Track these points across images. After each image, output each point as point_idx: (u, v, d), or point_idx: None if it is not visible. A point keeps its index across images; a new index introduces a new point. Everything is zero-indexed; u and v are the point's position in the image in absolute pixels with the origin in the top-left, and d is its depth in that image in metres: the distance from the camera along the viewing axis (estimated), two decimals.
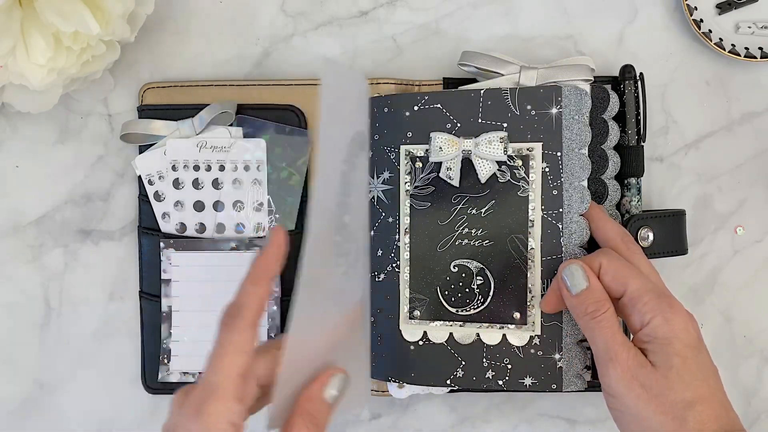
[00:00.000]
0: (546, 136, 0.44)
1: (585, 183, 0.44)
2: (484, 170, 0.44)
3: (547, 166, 0.44)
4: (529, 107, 0.44)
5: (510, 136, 0.44)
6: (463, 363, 0.45)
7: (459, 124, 0.45)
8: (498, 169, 0.44)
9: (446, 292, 0.45)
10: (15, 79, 0.46)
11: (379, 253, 0.46)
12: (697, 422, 0.38)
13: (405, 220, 0.46)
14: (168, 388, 0.49)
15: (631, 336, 0.41)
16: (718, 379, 0.40)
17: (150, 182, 0.49)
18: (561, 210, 0.44)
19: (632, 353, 0.39)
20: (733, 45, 0.50)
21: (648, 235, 0.46)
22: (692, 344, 0.39)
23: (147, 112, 0.50)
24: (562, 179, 0.44)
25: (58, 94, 0.48)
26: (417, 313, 0.46)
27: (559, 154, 0.43)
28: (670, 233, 0.47)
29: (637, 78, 0.47)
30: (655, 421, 0.38)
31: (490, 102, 0.44)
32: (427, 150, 0.45)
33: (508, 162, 0.44)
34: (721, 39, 0.51)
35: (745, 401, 0.52)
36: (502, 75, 0.46)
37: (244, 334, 0.34)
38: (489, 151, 0.44)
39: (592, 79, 0.46)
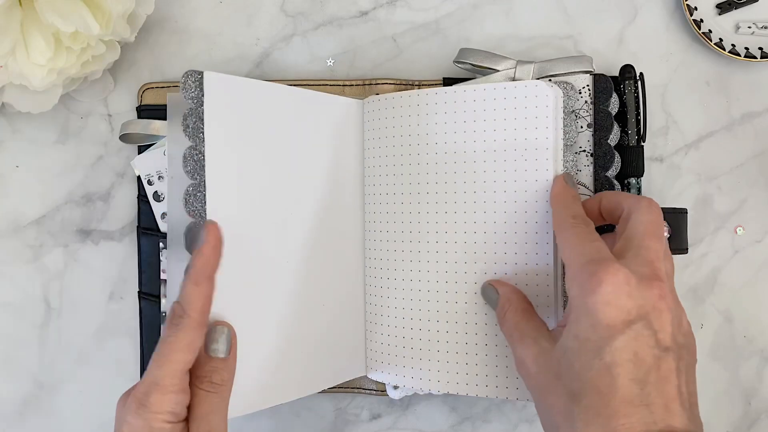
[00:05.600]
0: None
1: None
2: None
3: None
4: None
5: None
6: None
7: None
8: None
9: None
10: (15, 79, 0.46)
11: None
12: (583, 423, 0.30)
13: None
14: None
15: None
16: (642, 370, 0.31)
17: (149, 182, 0.49)
18: None
19: (526, 344, 0.36)
20: (733, 45, 0.50)
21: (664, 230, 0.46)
22: (608, 323, 0.30)
23: (146, 112, 0.50)
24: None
25: (58, 94, 0.48)
26: None
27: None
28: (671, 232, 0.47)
29: (637, 78, 0.47)
30: (546, 405, 0.33)
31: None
32: None
33: None
34: (721, 39, 0.51)
35: (744, 401, 0.52)
36: (498, 71, 0.46)
37: (191, 333, 0.35)
38: None
39: (593, 69, 0.45)
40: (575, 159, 0.44)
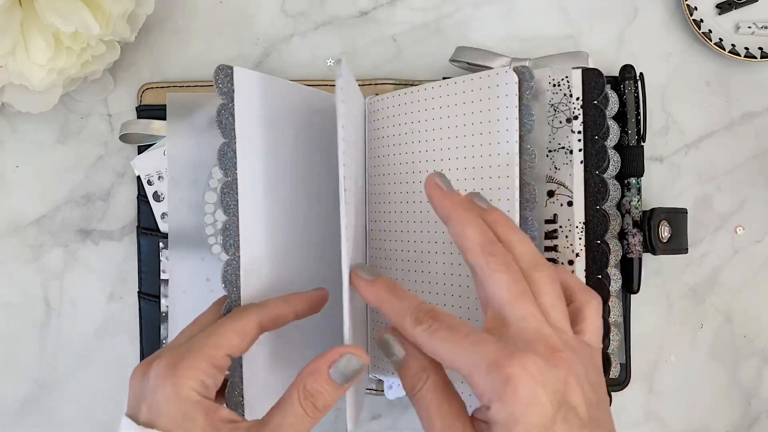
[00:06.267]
0: None
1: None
2: None
3: None
4: None
5: None
6: None
7: None
8: None
9: None
10: (15, 79, 0.46)
11: None
12: None
13: None
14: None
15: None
16: None
17: (149, 182, 0.49)
18: None
19: None
20: (733, 45, 0.50)
21: (665, 230, 0.46)
22: (541, 424, 0.28)
23: (146, 112, 0.50)
24: None
25: (58, 94, 0.48)
26: None
27: None
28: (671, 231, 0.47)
29: (637, 78, 0.47)
30: None
31: None
32: None
33: None
34: (721, 39, 0.51)
35: (745, 401, 0.52)
36: (493, 69, 0.46)
37: (252, 321, 0.35)
38: None
39: (589, 65, 0.45)
40: (553, 157, 0.42)
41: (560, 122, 0.42)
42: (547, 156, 0.43)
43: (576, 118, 0.42)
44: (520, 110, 0.38)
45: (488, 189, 0.39)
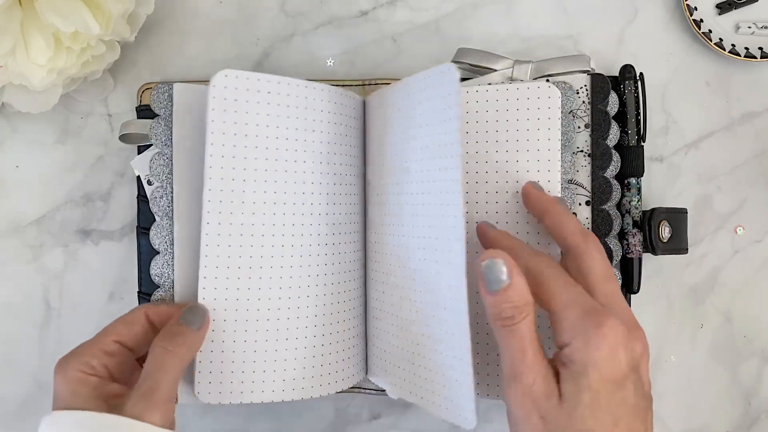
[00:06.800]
0: None
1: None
2: None
3: None
4: None
5: None
6: None
7: None
8: None
9: None
10: (15, 79, 0.46)
11: None
12: None
13: None
14: None
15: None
16: (635, 424, 0.33)
17: (149, 182, 0.49)
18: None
19: (540, 377, 0.33)
20: (733, 45, 0.50)
21: (665, 230, 0.46)
22: (613, 379, 0.32)
23: (146, 112, 0.50)
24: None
25: (58, 94, 0.48)
26: None
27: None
28: (671, 232, 0.47)
29: (637, 78, 0.47)
30: None
31: None
32: None
33: None
34: (721, 39, 0.51)
35: (745, 401, 0.52)
36: (496, 71, 0.46)
37: (136, 315, 0.40)
38: None
39: (591, 69, 0.45)
40: (573, 159, 0.44)
41: (579, 127, 0.45)
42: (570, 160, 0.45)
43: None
44: (562, 121, 0.42)
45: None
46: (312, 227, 0.42)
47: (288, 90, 0.41)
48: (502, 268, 0.34)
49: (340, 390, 0.44)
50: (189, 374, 0.40)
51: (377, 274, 0.44)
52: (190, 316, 0.38)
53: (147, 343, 0.39)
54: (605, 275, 0.36)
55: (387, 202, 0.43)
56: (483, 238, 0.40)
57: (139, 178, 0.50)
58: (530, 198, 0.40)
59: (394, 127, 0.42)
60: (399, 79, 0.50)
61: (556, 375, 0.33)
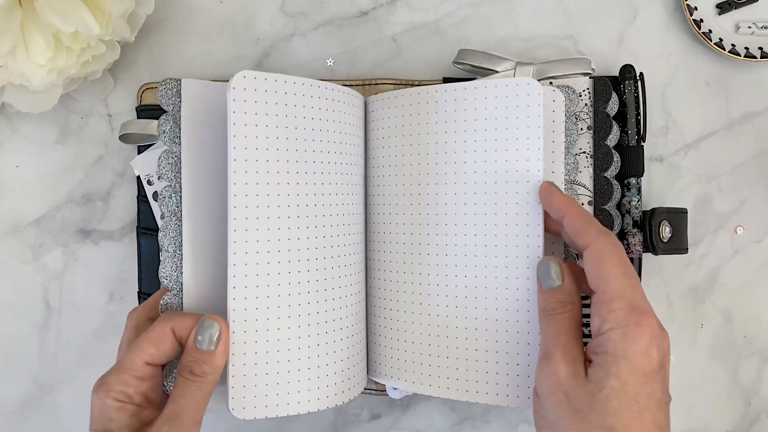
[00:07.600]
0: None
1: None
2: None
3: None
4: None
5: None
6: None
7: None
8: None
9: None
10: (15, 79, 0.46)
11: None
12: None
13: None
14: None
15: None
16: (661, 416, 0.34)
17: (149, 182, 0.49)
18: None
19: (570, 358, 0.35)
20: (733, 45, 0.50)
21: (665, 230, 0.46)
22: (644, 371, 0.34)
23: (146, 112, 0.50)
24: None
25: (58, 94, 0.48)
26: None
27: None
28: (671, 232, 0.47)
29: (637, 78, 0.47)
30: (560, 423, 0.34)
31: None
32: None
33: None
34: (721, 39, 0.51)
35: (745, 401, 0.52)
36: (498, 72, 0.46)
37: (161, 329, 0.39)
38: None
39: (593, 71, 0.46)
40: (576, 161, 0.44)
41: (581, 129, 0.46)
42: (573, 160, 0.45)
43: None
44: (566, 124, 0.43)
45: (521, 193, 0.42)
46: (338, 228, 0.42)
47: (303, 90, 0.41)
48: (556, 270, 0.38)
49: (362, 390, 0.44)
50: (221, 384, 0.40)
51: (407, 276, 0.44)
52: (202, 335, 0.38)
53: (177, 356, 0.40)
54: (627, 269, 0.37)
55: (429, 201, 0.43)
56: (547, 203, 0.40)
57: (139, 178, 0.50)
58: (552, 198, 0.40)
59: (457, 124, 0.42)
60: (399, 79, 0.50)
61: (588, 362, 0.35)
